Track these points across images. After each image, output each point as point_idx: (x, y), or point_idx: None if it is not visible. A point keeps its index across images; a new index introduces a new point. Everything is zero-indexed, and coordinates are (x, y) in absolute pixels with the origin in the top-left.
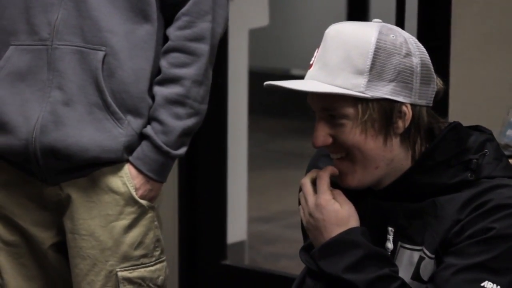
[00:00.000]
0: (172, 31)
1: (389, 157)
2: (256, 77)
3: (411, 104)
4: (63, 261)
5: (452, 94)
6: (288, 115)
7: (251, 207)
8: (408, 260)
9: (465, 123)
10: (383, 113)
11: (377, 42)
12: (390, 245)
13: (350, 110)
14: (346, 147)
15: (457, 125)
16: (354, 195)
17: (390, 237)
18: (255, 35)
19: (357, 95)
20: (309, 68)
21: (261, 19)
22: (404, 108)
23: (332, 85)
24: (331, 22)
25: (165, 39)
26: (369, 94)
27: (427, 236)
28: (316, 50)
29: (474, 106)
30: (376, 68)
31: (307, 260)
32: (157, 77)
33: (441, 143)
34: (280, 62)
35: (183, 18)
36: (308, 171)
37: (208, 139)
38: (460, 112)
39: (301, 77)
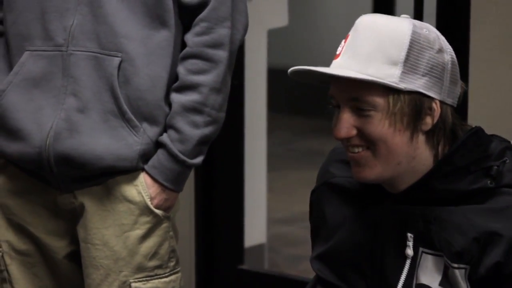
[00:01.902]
0: (190, 37)
1: (412, 154)
2: (277, 75)
3: (440, 101)
4: (77, 270)
5: (471, 97)
6: (312, 113)
7: (273, 208)
8: (435, 266)
9: (485, 126)
10: (414, 107)
11: (412, 34)
12: (410, 251)
13: (380, 101)
14: (371, 139)
15: (478, 130)
16: (371, 199)
17: (410, 243)
18: (275, 35)
19: (392, 85)
20: (336, 58)
21: (281, 19)
22: (434, 104)
23: (365, 73)
24: (352, 22)
25: (183, 45)
26: (402, 85)
27: (445, 243)
28: (343, 41)
29: (494, 109)
30: (410, 60)
31: (319, 270)
32: (174, 84)
33: (461, 148)
34: (302, 62)
35: (201, 24)
36: (319, 176)
37: (225, 140)
38: (480, 115)
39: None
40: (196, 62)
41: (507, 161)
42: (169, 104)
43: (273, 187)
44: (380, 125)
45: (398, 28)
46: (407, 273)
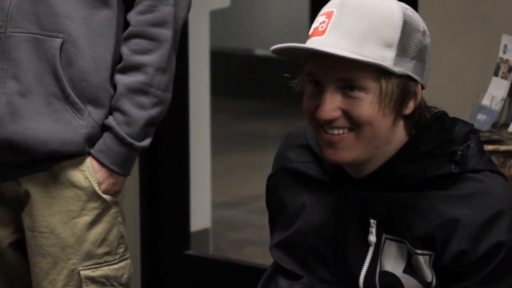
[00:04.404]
0: (133, 16)
1: (389, 138)
2: (218, 58)
3: (421, 85)
4: (22, 260)
5: None
6: (250, 96)
7: (215, 192)
8: (399, 253)
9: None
10: (402, 90)
11: (403, 15)
12: (372, 238)
13: (372, 84)
14: (358, 122)
15: (443, 115)
16: (331, 185)
17: (373, 229)
18: (216, 17)
19: (389, 68)
20: (318, 35)
21: (222, 0)
22: (417, 88)
23: (359, 54)
24: (292, 4)
25: (126, 24)
26: (396, 69)
27: (409, 229)
28: (324, 16)
29: (443, 89)
30: (402, 42)
31: (279, 258)
32: (118, 65)
33: (425, 133)
34: (243, 43)
35: (144, 2)
36: (276, 161)
37: (169, 123)
38: (428, 96)
39: (266, 58)
40: (140, 42)
41: (471, 145)
42: (114, 85)
43: (215, 170)
44: (371, 109)
45: (389, 8)
46: (370, 260)
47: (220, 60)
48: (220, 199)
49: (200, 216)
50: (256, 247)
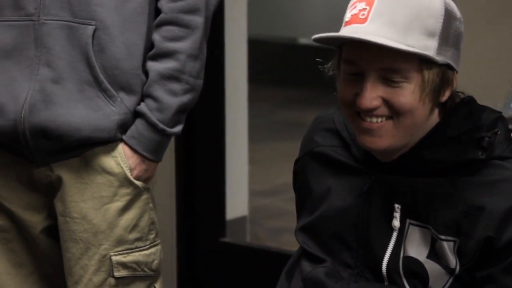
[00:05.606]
0: (164, 3)
1: (424, 125)
2: (256, 46)
3: (456, 72)
4: (54, 245)
5: None
6: (291, 84)
7: (254, 181)
8: (422, 238)
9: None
10: (441, 79)
11: (444, 4)
12: (396, 223)
13: (414, 73)
14: (400, 111)
15: (470, 100)
16: (357, 169)
17: (397, 214)
18: (259, 5)
19: (434, 58)
20: (359, 23)
21: None
22: (453, 76)
23: (404, 44)
24: None
25: (157, 12)
26: (439, 58)
27: (434, 215)
28: (363, 3)
29: (476, 78)
30: (444, 31)
31: (304, 242)
32: (150, 51)
33: (453, 118)
34: (286, 31)
35: None
36: (303, 145)
37: (205, 111)
38: (462, 84)
39: (308, 46)
40: (171, 29)
41: (499, 132)
42: (146, 72)
43: (254, 159)
44: (413, 97)
45: None
46: (393, 245)
47: (264, 49)
48: (259, 187)
49: (237, 204)
50: (293, 236)
